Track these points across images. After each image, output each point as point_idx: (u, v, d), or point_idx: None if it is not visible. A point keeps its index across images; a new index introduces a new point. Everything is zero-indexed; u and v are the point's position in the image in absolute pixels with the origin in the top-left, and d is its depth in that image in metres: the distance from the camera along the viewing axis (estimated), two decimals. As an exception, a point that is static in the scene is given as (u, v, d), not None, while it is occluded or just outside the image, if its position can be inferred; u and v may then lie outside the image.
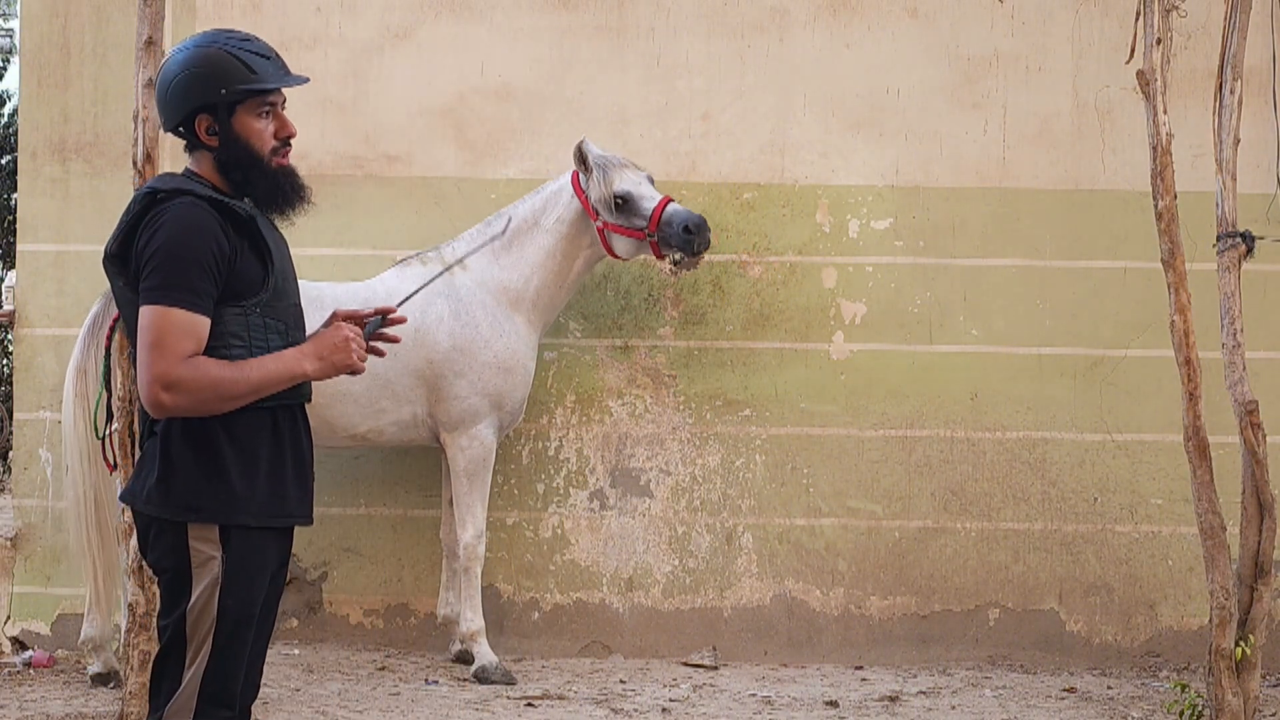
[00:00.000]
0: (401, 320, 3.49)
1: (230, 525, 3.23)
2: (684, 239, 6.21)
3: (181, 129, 3.35)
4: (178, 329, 3.13)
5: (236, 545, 3.23)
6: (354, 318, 3.40)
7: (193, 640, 3.23)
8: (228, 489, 3.22)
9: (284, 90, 3.38)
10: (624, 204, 6.26)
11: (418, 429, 6.34)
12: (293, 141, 3.39)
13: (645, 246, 6.32)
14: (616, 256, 6.43)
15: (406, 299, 3.70)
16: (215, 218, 3.22)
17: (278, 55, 3.39)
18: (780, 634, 6.85)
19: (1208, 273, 5.77)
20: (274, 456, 3.30)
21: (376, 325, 3.43)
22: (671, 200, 6.32)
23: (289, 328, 3.35)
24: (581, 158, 6.32)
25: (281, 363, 3.24)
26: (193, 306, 3.15)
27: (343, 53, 6.97)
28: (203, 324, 3.16)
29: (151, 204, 3.24)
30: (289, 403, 3.33)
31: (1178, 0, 5.25)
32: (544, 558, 6.89)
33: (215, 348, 3.20)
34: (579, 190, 6.34)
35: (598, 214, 6.29)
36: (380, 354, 3.51)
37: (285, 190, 3.37)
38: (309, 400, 3.42)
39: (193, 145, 3.36)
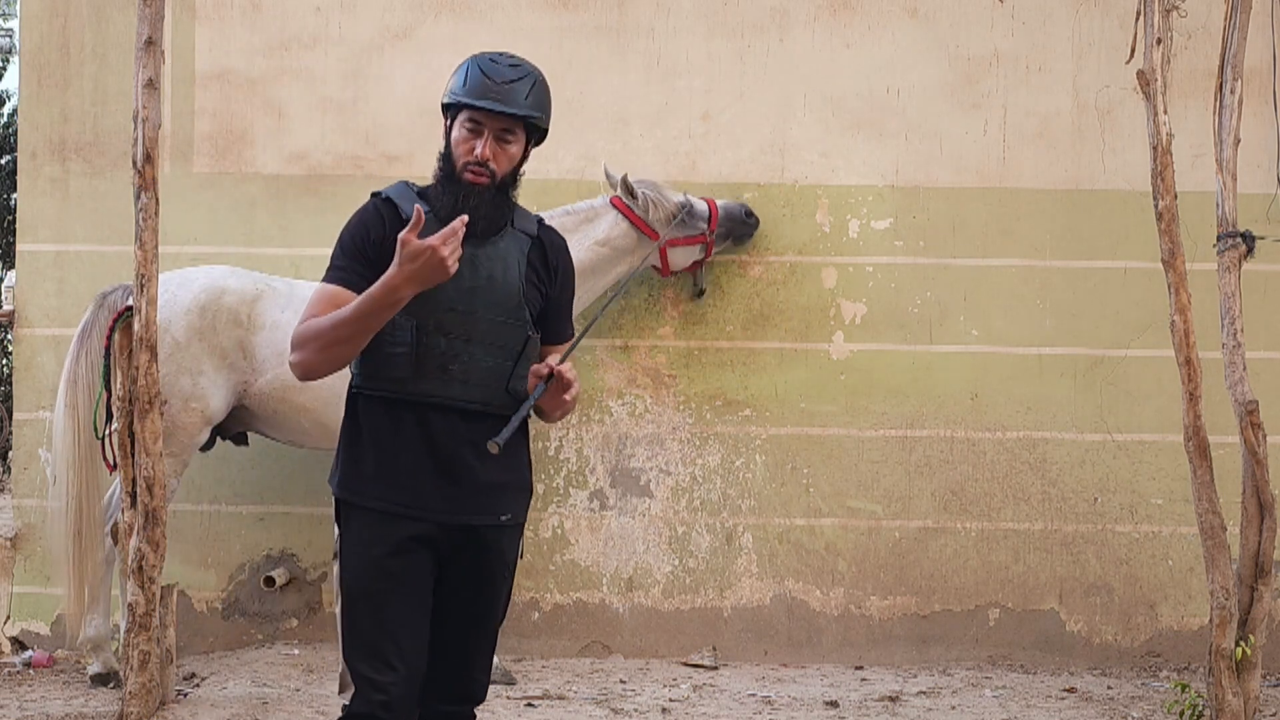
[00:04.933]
0: (569, 383, 3.35)
1: (341, 500, 3.46)
2: (747, 223, 6.70)
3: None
4: (316, 299, 3.37)
5: (346, 520, 3.45)
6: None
7: (337, 598, 3.45)
8: (342, 467, 3.46)
9: (493, 116, 3.40)
10: (687, 214, 6.52)
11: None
12: (493, 168, 3.41)
13: (700, 250, 6.62)
14: (667, 271, 6.65)
15: (566, 354, 3.46)
16: (378, 210, 3.45)
17: (514, 84, 3.40)
18: (780, 634, 6.85)
19: (1208, 273, 5.78)
20: (395, 446, 3.39)
21: (541, 392, 3.32)
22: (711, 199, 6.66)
23: (430, 331, 3.37)
24: (629, 187, 6.47)
25: (373, 288, 3.26)
26: (335, 280, 3.37)
27: (343, 53, 6.97)
28: (341, 294, 3.34)
29: None
30: (422, 400, 3.38)
31: (1178, 0, 5.25)
32: (544, 558, 6.89)
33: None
34: (631, 214, 6.46)
35: (659, 233, 6.48)
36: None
37: (461, 207, 3.39)
38: (455, 404, 3.40)
39: None
